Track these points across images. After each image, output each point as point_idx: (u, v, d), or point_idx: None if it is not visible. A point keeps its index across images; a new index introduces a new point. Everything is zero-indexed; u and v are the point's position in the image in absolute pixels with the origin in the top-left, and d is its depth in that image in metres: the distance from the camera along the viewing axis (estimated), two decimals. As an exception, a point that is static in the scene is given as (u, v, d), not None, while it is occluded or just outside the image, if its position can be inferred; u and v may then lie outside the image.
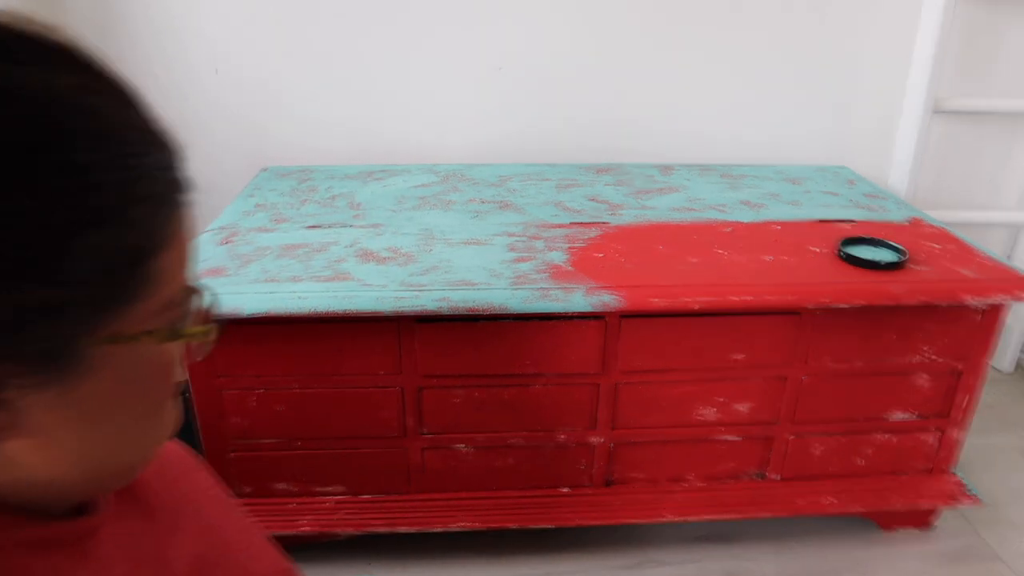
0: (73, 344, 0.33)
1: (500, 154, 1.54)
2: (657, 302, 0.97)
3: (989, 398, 1.62)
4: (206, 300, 0.39)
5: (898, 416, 1.14)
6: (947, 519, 1.26)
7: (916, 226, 1.22)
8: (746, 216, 1.24)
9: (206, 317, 0.39)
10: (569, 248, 1.09)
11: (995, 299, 1.02)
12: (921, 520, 1.24)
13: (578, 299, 0.96)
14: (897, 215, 1.27)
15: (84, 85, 0.34)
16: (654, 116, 1.54)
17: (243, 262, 1.04)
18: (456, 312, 0.95)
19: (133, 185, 0.34)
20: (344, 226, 1.17)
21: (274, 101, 1.49)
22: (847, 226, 1.21)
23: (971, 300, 1.01)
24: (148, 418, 0.38)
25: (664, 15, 1.46)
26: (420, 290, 0.96)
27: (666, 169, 1.49)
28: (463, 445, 1.09)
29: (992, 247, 1.70)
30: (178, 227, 0.36)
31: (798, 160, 1.60)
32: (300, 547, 1.15)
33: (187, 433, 1.09)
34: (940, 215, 1.54)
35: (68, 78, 0.34)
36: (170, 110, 1.34)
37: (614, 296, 0.96)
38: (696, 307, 0.97)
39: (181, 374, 0.40)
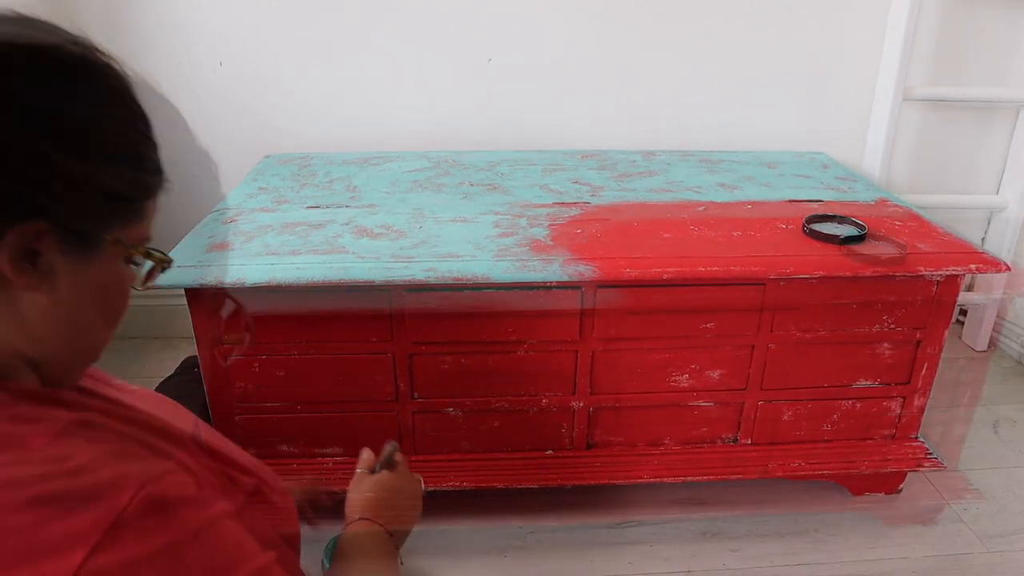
0: (97, 234, 0.49)
1: (490, 141, 1.62)
2: (630, 272, 1.04)
3: (963, 375, 1.70)
4: (158, 252, 0.55)
5: (862, 384, 1.21)
6: (914, 485, 1.33)
7: (882, 206, 1.29)
8: (720, 197, 1.32)
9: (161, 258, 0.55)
10: (550, 225, 1.17)
11: (948, 271, 1.09)
12: (889, 485, 1.30)
13: (556, 269, 1.03)
14: (865, 196, 1.34)
15: (124, 77, 0.52)
16: (639, 105, 1.62)
17: (247, 238, 1.12)
18: (442, 282, 1.03)
19: (152, 150, 0.53)
20: (341, 207, 1.25)
21: (276, 93, 1.57)
22: (815, 205, 1.28)
23: (925, 271, 1.08)
24: (107, 322, 0.53)
25: (649, 9, 1.54)
26: (409, 262, 1.04)
27: (648, 155, 1.56)
28: (452, 409, 1.16)
29: (968, 230, 1.77)
30: (160, 186, 0.54)
31: (778, 148, 1.67)
32: (301, 507, 1.23)
33: (198, 398, 1.16)
34: (915, 199, 1.61)
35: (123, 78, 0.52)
36: (178, 103, 1.43)
37: (589, 267, 1.03)
38: (666, 277, 1.04)
39: (127, 304, 0.55)
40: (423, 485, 0.87)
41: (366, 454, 0.84)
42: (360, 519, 0.77)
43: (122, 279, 0.54)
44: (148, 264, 0.55)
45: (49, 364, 0.50)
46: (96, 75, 0.50)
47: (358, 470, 0.82)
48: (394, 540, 0.78)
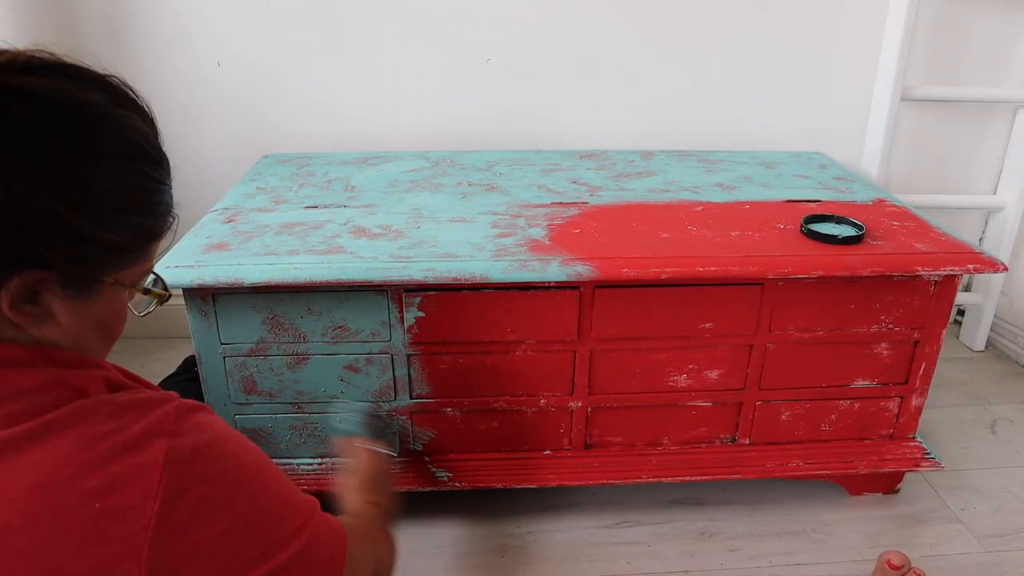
0: (98, 278, 0.53)
1: (489, 141, 1.62)
2: (628, 272, 1.04)
3: (961, 375, 1.70)
4: (158, 282, 0.62)
5: (860, 383, 1.21)
6: (912, 485, 1.33)
7: (879, 205, 1.30)
8: (719, 197, 1.32)
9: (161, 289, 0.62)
10: (548, 225, 1.17)
11: (946, 271, 1.09)
12: (887, 485, 1.31)
13: (554, 269, 1.03)
14: (863, 196, 1.34)
15: (144, 121, 0.56)
16: (637, 105, 1.62)
17: (245, 238, 1.12)
18: (441, 282, 1.03)
19: (163, 195, 0.56)
20: (339, 206, 1.25)
21: (274, 92, 1.57)
22: (813, 205, 1.28)
23: (923, 272, 1.09)
24: (105, 343, 0.58)
25: (648, 10, 1.54)
26: (408, 262, 1.04)
27: (647, 155, 1.56)
28: (451, 409, 1.16)
29: (965, 230, 1.78)
30: (167, 226, 0.58)
31: (777, 148, 1.67)
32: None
33: (200, 398, 1.16)
34: (913, 199, 1.62)
35: (133, 115, 0.55)
36: (176, 101, 1.43)
37: (588, 266, 1.03)
38: (664, 277, 1.05)
39: (124, 326, 0.61)
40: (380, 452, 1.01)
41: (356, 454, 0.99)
42: (363, 500, 0.89)
43: (122, 308, 0.58)
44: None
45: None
46: (114, 129, 0.52)
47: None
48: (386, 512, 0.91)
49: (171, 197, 0.57)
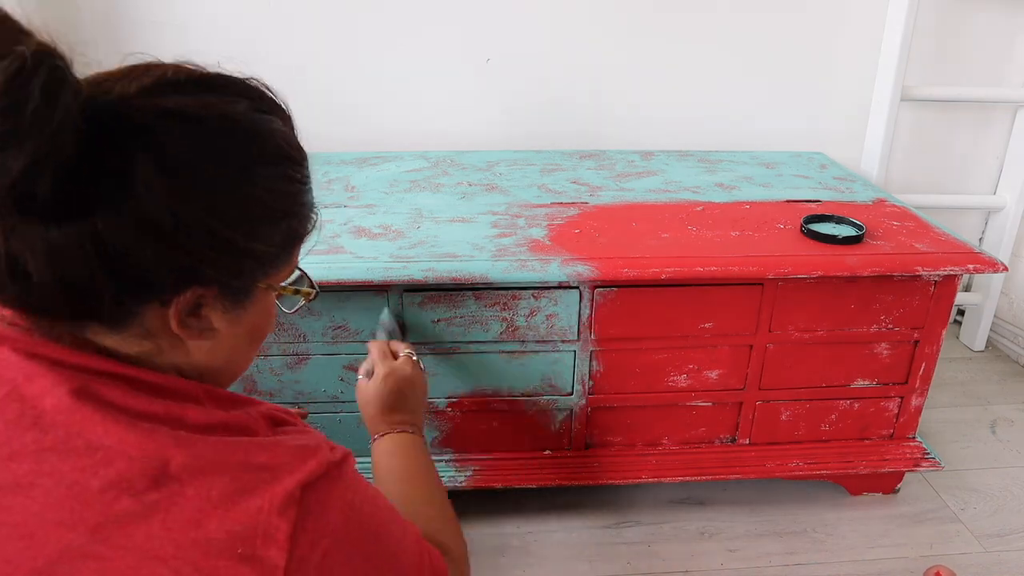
0: (253, 285, 0.53)
1: (489, 141, 1.62)
2: (628, 272, 1.04)
3: (960, 375, 1.70)
4: (304, 279, 0.60)
5: (860, 384, 1.21)
6: (912, 485, 1.33)
7: (879, 205, 1.30)
8: (719, 197, 1.32)
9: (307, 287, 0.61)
10: (548, 225, 1.17)
11: (946, 271, 1.09)
12: (886, 485, 1.31)
13: (554, 269, 1.03)
14: (863, 196, 1.34)
15: (284, 122, 0.54)
16: (638, 105, 1.62)
17: (245, 238, 1.11)
18: (441, 282, 1.03)
19: (306, 195, 0.55)
20: (339, 207, 1.25)
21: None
22: (813, 205, 1.28)
23: (923, 271, 1.09)
24: (254, 346, 0.59)
25: (647, 9, 1.54)
26: (408, 262, 1.04)
27: (647, 155, 1.56)
28: (451, 409, 1.16)
29: (965, 230, 1.78)
30: (311, 225, 0.57)
31: (777, 148, 1.67)
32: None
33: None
34: (912, 199, 1.62)
35: (272, 118, 0.53)
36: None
37: (587, 267, 1.03)
38: (664, 277, 1.05)
39: (273, 327, 0.61)
40: (414, 359, 0.94)
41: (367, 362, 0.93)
42: (384, 434, 0.85)
43: (270, 308, 0.58)
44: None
45: (203, 379, 0.55)
46: (260, 137, 0.51)
47: (359, 377, 0.91)
48: (419, 433, 0.87)
49: (312, 194, 0.57)
